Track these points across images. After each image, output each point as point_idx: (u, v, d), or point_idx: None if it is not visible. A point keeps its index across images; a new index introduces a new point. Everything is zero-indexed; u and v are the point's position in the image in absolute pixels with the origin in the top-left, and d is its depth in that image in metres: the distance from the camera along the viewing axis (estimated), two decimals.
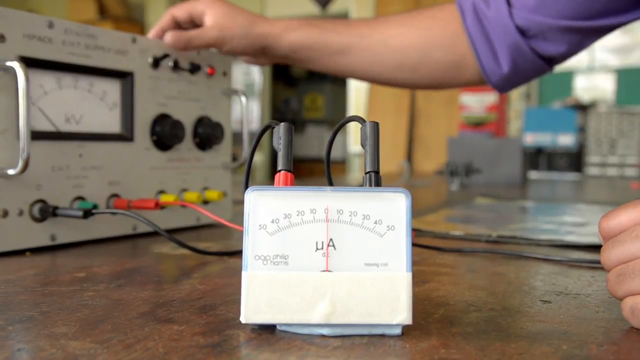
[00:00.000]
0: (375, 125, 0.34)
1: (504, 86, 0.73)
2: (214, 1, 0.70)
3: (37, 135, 0.54)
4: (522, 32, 0.68)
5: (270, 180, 4.18)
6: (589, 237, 0.65)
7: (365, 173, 0.33)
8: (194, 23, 0.71)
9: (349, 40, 0.73)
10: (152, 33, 0.70)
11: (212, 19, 0.69)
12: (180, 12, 0.69)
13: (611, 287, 0.33)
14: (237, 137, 0.77)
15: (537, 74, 0.73)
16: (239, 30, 0.69)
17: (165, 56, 0.65)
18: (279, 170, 0.33)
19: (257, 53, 0.73)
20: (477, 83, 0.76)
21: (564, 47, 0.68)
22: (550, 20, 0.66)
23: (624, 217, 0.34)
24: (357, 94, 4.39)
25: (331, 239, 0.31)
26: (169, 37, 0.65)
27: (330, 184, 0.37)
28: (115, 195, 0.61)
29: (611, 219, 0.34)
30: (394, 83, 0.79)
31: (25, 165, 0.51)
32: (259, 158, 5.12)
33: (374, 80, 0.79)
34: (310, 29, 0.72)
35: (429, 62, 0.74)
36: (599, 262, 0.51)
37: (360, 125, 0.34)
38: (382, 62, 0.74)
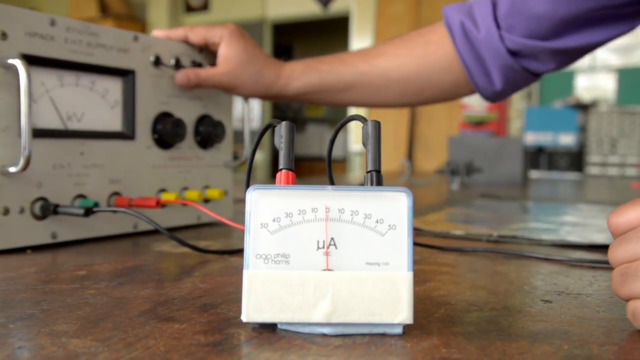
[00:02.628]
0: (377, 125, 0.34)
1: (496, 99, 0.77)
2: (232, 34, 0.70)
3: (38, 133, 0.54)
4: (514, 53, 0.70)
5: (271, 179, 4.18)
6: (589, 237, 0.65)
7: (367, 172, 0.33)
8: (207, 48, 0.71)
9: (348, 79, 0.75)
10: (157, 34, 0.69)
11: (225, 59, 0.69)
12: (196, 37, 0.69)
13: (614, 287, 0.33)
14: (238, 136, 0.77)
15: (526, 85, 0.75)
16: (248, 78, 0.71)
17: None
18: (281, 169, 0.33)
19: (264, 97, 0.75)
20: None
21: (553, 65, 0.71)
22: (540, 43, 0.67)
23: (632, 214, 0.33)
24: None
25: (332, 238, 0.31)
26: (181, 76, 0.66)
27: (332, 182, 0.37)
28: (116, 194, 0.61)
29: (620, 215, 0.33)
30: (400, 106, 0.82)
31: (27, 163, 0.51)
32: (260, 157, 5.12)
33: (380, 106, 0.82)
34: (311, 73, 0.75)
35: (430, 86, 0.77)
36: (599, 261, 0.51)
37: (361, 124, 0.34)
38: (385, 93, 0.77)
